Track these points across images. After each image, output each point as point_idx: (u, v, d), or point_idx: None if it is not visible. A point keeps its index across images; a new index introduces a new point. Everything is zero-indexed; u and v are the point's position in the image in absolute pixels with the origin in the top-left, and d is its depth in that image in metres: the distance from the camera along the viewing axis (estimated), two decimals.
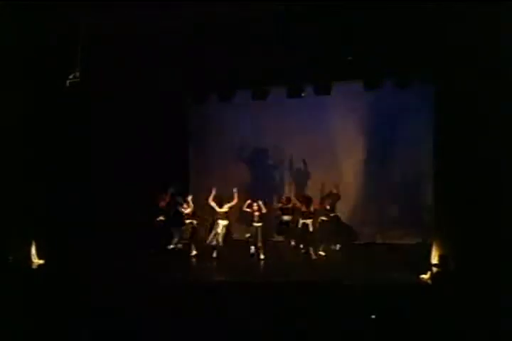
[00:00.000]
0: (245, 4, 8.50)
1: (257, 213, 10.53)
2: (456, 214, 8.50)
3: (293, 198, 11.24)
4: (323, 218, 10.88)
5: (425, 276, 8.47)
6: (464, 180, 8.36)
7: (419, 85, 10.38)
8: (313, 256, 10.40)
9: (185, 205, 10.74)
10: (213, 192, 10.53)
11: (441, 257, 8.60)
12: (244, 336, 6.24)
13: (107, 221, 10.48)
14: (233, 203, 10.54)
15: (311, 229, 10.49)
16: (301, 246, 10.67)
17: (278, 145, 12.51)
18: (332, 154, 12.26)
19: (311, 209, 10.56)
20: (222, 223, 10.52)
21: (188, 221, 10.67)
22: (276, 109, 12.20)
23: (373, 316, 7.05)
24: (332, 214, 10.93)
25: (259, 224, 10.52)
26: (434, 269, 8.49)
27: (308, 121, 12.25)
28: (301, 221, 10.52)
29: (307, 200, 10.66)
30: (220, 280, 9.27)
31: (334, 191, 11.22)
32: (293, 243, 10.96)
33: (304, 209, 10.53)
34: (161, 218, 10.77)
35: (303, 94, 11.38)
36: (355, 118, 12.04)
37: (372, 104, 11.84)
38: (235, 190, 10.50)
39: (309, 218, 10.51)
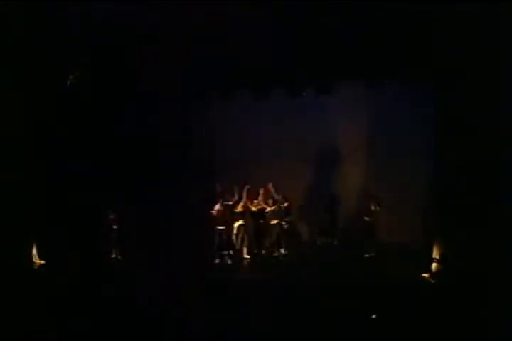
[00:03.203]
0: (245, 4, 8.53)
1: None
2: (457, 213, 8.48)
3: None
4: (368, 219, 10.73)
5: (426, 275, 8.48)
6: (464, 179, 8.35)
7: (421, 85, 10.37)
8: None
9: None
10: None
11: (442, 256, 8.60)
12: None
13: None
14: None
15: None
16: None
17: (278, 145, 12.45)
18: (333, 154, 12.24)
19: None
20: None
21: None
22: (276, 108, 12.19)
23: (374, 316, 7.07)
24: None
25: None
26: (435, 268, 8.48)
27: (309, 121, 12.23)
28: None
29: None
30: None
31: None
32: None
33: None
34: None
35: (303, 94, 11.37)
36: (355, 118, 12.02)
37: (373, 103, 11.82)
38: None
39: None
